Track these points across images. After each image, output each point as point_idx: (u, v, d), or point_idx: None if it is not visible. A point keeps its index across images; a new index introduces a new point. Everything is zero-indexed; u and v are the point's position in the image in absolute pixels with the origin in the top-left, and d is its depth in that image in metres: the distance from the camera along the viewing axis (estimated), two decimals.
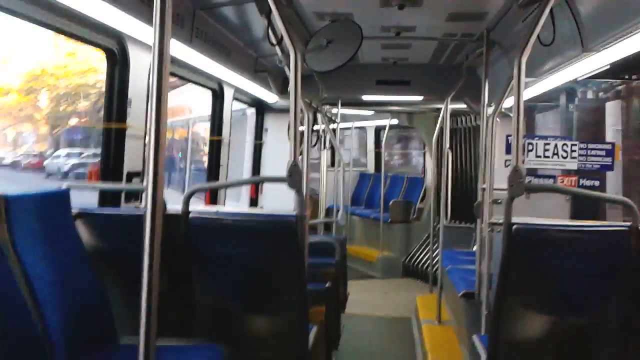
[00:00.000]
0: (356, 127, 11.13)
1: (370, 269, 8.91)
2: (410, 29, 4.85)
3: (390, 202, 8.96)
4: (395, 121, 9.50)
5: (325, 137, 7.46)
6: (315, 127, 7.51)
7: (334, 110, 7.66)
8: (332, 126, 8.01)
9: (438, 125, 6.86)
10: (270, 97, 6.22)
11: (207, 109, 5.54)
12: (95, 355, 2.33)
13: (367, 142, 10.88)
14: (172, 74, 4.33)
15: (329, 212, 9.54)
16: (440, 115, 6.36)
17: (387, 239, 8.92)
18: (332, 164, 9.80)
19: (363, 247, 9.38)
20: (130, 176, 3.47)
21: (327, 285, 3.72)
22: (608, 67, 3.83)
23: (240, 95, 5.97)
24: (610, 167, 3.86)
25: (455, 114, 7.88)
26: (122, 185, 3.41)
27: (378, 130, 10.72)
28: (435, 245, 6.32)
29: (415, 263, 8.52)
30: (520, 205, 2.86)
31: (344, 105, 7.59)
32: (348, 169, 9.61)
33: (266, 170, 7.27)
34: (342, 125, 10.80)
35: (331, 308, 3.76)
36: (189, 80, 4.81)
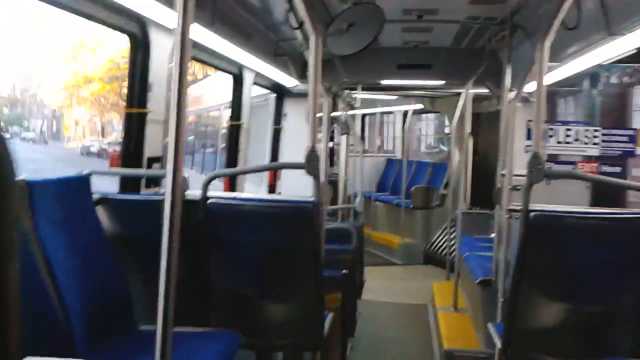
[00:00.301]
0: (383, 113, 11.06)
1: (392, 256, 8.91)
2: (432, 12, 4.78)
3: (412, 189, 8.93)
4: (420, 106, 9.42)
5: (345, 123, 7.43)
6: (337, 113, 7.51)
7: (355, 95, 7.61)
8: (354, 112, 7.98)
9: (459, 110, 6.80)
10: (289, 81, 6.20)
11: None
12: (114, 341, 2.36)
13: (395, 127, 10.82)
14: (193, 58, 4.33)
15: (351, 199, 9.64)
16: (461, 99, 6.30)
17: (409, 226, 8.90)
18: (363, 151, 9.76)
19: (385, 234, 9.39)
20: (151, 162, 3.49)
21: (343, 272, 3.72)
22: (634, 51, 3.74)
23: (260, 79, 5.96)
24: (632, 154, 3.80)
25: (479, 98, 7.79)
26: (143, 170, 3.44)
27: (406, 116, 10.66)
28: (453, 232, 6.29)
29: (437, 250, 8.49)
30: (539, 191, 2.82)
31: (364, 89, 7.54)
32: (370, 154, 9.60)
33: (285, 156, 7.27)
34: (368, 110, 10.85)
35: (347, 295, 3.76)
36: (210, 65, 4.81)
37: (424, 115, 12.05)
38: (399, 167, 10.10)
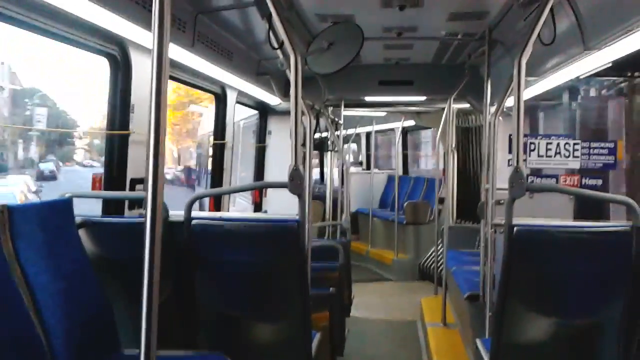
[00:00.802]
0: (378, 131, 11.18)
1: (387, 272, 8.94)
2: (412, 30, 4.84)
3: (405, 204, 8.95)
4: (411, 122, 9.45)
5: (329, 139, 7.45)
6: (324, 134, 7.53)
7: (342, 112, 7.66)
8: (349, 130, 7.93)
9: (441, 125, 6.86)
10: (273, 99, 6.23)
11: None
12: None
13: (396, 144, 10.93)
14: (175, 79, 4.33)
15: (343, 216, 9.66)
16: (444, 114, 6.35)
17: (403, 241, 8.90)
18: (366, 166, 9.68)
19: (382, 250, 9.45)
20: (134, 183, 3.47)
21: (330, 290, 3.71)
22: (610, 64, 3.81)
23: (243, 98, 5.98)
24: (613, 166, 3.84)
25: (467, 112, 7.86)
26: (125, 193, 3.42)
27: (405, 132, 10.70)
28: (441, 246, 6.31)
29: (430, 265, 8.49)
30: (524, 204, 2.85)
31: (347, 106, 7.58)
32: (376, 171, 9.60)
33: (271, 173, 7.27)
34: (360, 130, 11.00)
35: (335, 313, 3.75)
36: (192, 85, 4.82)
37: (423, 133, 12.19)
38: (398, 183, 10.13)
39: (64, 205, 2.53)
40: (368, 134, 11.27)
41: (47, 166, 18.20)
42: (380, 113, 9.76)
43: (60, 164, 19.82)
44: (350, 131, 11.21)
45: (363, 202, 10.07)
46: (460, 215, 7.54)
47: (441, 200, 8.98)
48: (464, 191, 7.63)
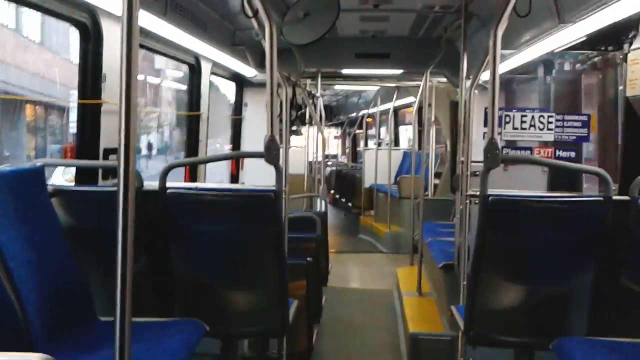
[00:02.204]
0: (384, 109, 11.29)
1: (382, 244, 9.12)
2: (388, 1, 4.81)
3: (399, 178, 8.99)
4: (411, 99, 9.44)
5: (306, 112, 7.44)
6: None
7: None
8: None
9: (418, 99, 6.88)
10: (249, 71, 6.17)
11: None
12: (73, 334, 2.33)
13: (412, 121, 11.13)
14: (147, 48, 4.26)
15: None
16: (420, 88, 6.37)
17: (399, 215, 8.97)
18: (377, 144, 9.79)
19: (380, 223, 9.68)
20: (107, 153, 3.43)
21: (307, 259, 3.74)
22: (584, 38, 3.84)
23: (218, 69, 5.91)
24: (586, 139, 3.89)
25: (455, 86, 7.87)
26: (97, 162, 3.38)
27: (420, 109, 10.76)
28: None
29: None
30: (498, 177, 2.88)
31: (324, 78, 7.55)
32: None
33: (248, 147, 7.24)
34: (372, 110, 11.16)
35: (312, 282, 3.79)
36: (165, 55, 4.74)
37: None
38: (409, 159, 10.19)
39: (35, 173, 2.49)
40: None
41: None
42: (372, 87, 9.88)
43: None
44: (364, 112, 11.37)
45: (380, 178, 10.18)
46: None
47: (438, 175, 9.09)
48: (452, 165, 7.70)
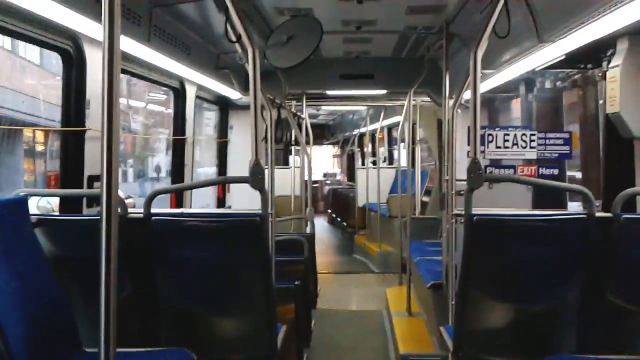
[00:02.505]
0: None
1: (373, 264, 9.07)
2: (370, 23, 4.86)
3: (388, 197, 8.98)
4: (399, 118, 9.46)
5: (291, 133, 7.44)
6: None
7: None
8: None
9: (402, 118, 6.92)
10: (233, 94, 6.19)
11: None
12: None
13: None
14: (130, 73, 4.26)
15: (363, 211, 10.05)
16: (404, 108, 6.41)
17: (390, 234, 8.95)
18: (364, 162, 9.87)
19: (372, 243, 9.69)
20: (92, 180, 3.40)
21: (295, 283, 3.72)
22: (564, 57, 3.90)
23: (203, 93, 5.92)
24: (568, 156, 3.93)
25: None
26: (82, 190, 3.35)
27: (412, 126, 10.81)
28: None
29: None
30: (483, 196, 2.90)
31: (309, 100, 7.59)
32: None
33: (233, 169, 7.23)
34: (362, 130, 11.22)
35: (301, 306, 3.76)
36: (149, 80, 4.74)
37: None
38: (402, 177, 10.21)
39: (19, 204, 2.46)
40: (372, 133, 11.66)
41: None
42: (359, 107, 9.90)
43: None
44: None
45: (373, 197, 10.19)
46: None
47: (427, 192, 9.10)
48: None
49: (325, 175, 19.45)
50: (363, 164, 13.14)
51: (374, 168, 10.74)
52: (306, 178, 6.98)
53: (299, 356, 3.93)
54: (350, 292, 7.54)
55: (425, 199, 9.08)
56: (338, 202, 13.43)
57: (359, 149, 13.78)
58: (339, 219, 13.20)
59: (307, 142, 7.66)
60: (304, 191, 7.02)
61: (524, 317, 2.82)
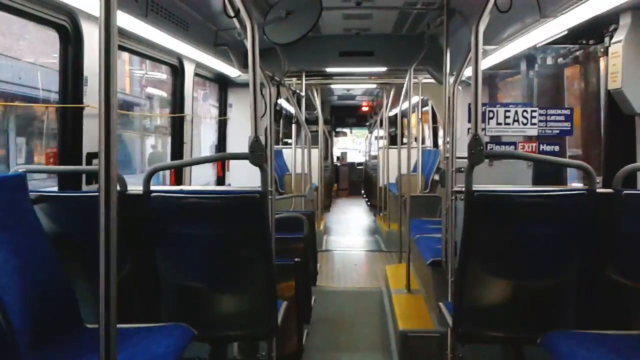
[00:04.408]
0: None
1: (384, 243, 9.13)
2: None
3: (397, 176, 8.96)
4: (416, 99, 9.36)
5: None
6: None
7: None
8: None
9: (402, 95, 6.89)
10: (232, 71, 6.14)
11: None
12: (59, 341, 2.30)
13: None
14: (128, 50, 4.22)
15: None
16: (405, 85, 6.37)
17: (398, 213, 8.98)
18: (393, 143, 9.90)
19: (384, 222, 9.70)
20: (91, 157, 3.39)
21: (295, 260, 3.73)
22: (566, 32, 3.86)
23: (201, 70, 5.88)
24: (569, 132, 3.91)
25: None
26: (80, 167, 3.34)
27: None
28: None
29: None
30: (483, 173, 2.89)
31: (308, 77, 7.55)
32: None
33: (233, 148, 7.21)
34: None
35: (301, 282, 3.78)
36: (148, 57, 4.70)
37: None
38: (425, 156, 10.13)
39: (17, 181, 2.45)
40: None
41: None
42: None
43: None
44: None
45: (393, 177, 10.17)
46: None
47: (438, 171, 9.07)
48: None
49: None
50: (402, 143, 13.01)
51: (391, 148, 10.69)
52: (312, 156, 6.96)
53: (299, 333, 3.96)
54: (351, 270, 7.58)
55: (437, 177, 9.06)
56: (366, 183, 13.48)
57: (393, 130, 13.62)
58: (366, 199, 13.19)
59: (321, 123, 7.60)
60: (318, 170, 6.94)
61: (524, 292, 2.83)
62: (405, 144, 11.00)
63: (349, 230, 10.99)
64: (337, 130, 20.63)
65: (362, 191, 15.59)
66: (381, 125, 13.67)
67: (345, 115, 19.33)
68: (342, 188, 18.41)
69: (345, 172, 18.58)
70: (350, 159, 19.18)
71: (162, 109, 12.38)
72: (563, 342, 2.37)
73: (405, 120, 12.40)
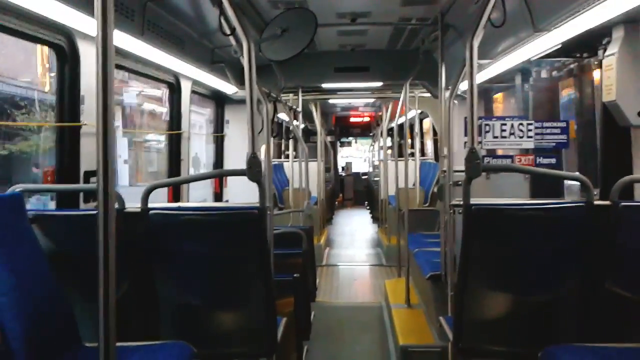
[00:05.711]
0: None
1: (384, 257, 9.10)
2: (365, 15, 4.85)
3: (395, 189, 8.97)
4: (413, 113, 9.36)
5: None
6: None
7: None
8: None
9: (398, 110, 6.92)
10: (229, 88, 6.17)
11: None
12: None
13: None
14: (124, 68, 4.24)
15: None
16: (400, 100, 6.41)
17: (397, 226, 8.97)
18: (400, 155, 9.99)
19: (385, 235, 9.73)
20: (88, 176, 3.39)
21: (294, 275, 3.72)
22: (559, 46, 3.90)
23: (198, 87, 5.90)
24: (565, 145, 3.93)
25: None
26: (78, 185, 3.34)
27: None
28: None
29: None
30: (481, 186, 2.90)
31: (305, 93, 7.58)
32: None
33: (230, 164, 7.22)
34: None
35: (300, 298, 3.76)
36: (144, 75, 4.72)
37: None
38: (425, 170, 10.17)
39: (15, 200, 2.45)
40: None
41: None
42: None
43: None
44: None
45: (393, 189, 10.18)
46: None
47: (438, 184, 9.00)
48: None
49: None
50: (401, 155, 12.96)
51: (391, 160, 10.69)
52: (312, 171, 6.96)
53: (299, 349, 3.93)
54: (350, 285, 7.56)
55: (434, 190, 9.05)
56: (369, 194, 13.61)
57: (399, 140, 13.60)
58: (369, 211, 13.21)
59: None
60: (321, 184, 6.95)
61: (524, 306, 2.82)
62: (402, 156, 11.03)
63: (352, 243, 10.97)
64: (342, 140, 20.77)
65: (366, 202, 15.65)
66: (382, 137, 13.78)
67: (350, 126, 19.49)
68: (347, 198, 18.64)
69: (350, 182, 18.79)
70: (355, 168, 19.38)
71: None
72: (564, 356, 2.37)
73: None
